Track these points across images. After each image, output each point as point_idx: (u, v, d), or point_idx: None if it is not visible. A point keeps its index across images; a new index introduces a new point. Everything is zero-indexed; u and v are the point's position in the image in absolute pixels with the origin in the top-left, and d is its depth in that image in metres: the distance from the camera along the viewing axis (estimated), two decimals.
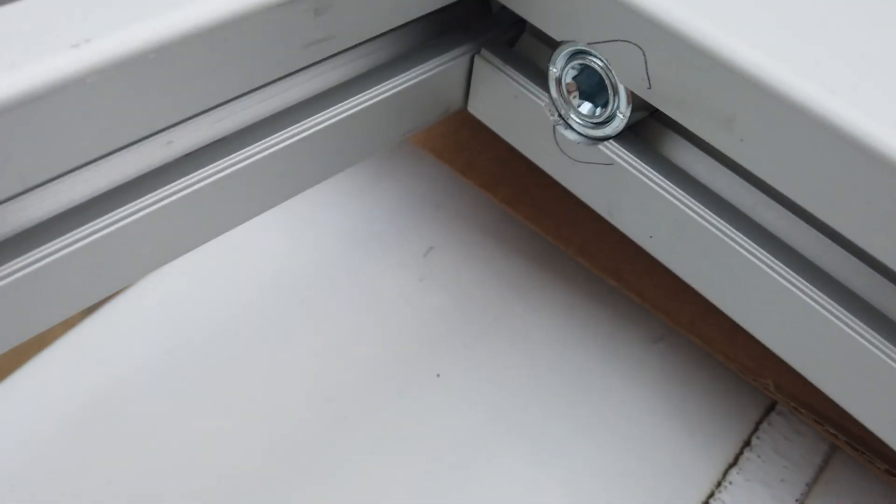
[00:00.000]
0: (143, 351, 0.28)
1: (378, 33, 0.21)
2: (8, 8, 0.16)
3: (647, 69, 0.19)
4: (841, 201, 0.17)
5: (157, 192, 0.19)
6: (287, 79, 0.21)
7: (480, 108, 0.25)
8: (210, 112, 0.20)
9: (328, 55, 0.20)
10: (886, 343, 0.18)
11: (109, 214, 0.18)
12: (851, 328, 0.18)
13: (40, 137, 0.15)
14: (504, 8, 0.25)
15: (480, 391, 0.26)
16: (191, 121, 0.19)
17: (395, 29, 0.23)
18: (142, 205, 0.18)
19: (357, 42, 0.20)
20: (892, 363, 0.18)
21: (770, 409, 0.26)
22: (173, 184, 0.19)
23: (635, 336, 0.27)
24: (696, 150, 0.22)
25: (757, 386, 0.25)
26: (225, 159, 0.20)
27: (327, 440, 0.25)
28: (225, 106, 0.20)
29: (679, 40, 0.18)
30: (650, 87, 0.20)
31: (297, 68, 0.19)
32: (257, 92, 0.21)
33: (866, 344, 0.18)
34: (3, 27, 0.15)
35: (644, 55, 0.19)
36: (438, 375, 0.27)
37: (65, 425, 0.26)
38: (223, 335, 0.28)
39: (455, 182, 0.31)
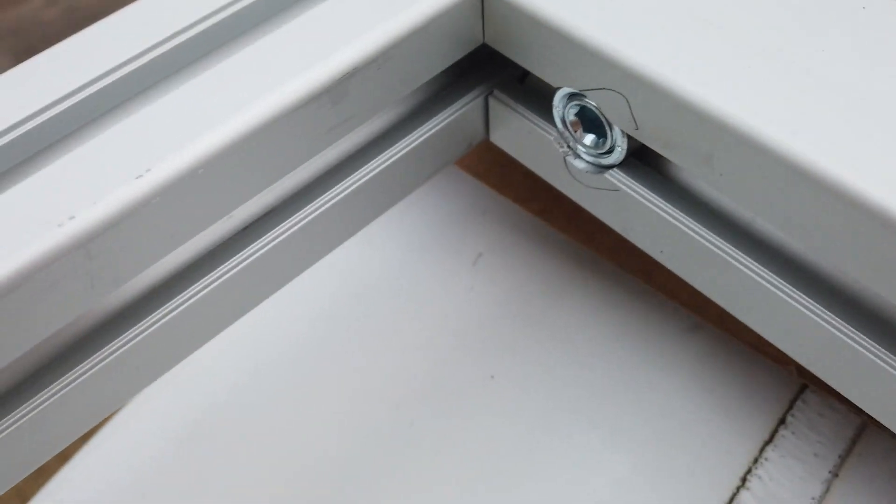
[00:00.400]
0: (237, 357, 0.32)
1: (392, 102, 0.23)
2: (74, 153, 0.19)
3: (632, 113, 0.21)
4: (804, 225, 0.19)
5: (223, 266, 0.22)
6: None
7: (501, 140, 0.27)
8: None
9: (349, 132, 0.23)
10: (859, 334, 0.20)
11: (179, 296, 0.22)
12: (833, 326, 0.20)
13: (121, 247, 0.19)
14: None
15: (531, 392, 0.29)
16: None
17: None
18: (211, 279, 0.22)
19: (374, 115, 0.23)
20: (870, 355, 0.20)
21: (804, 387, 0.28)
22: (239, 255, 0.23)
23: (669, 328, 0.29)
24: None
25: (784, 371, 0.26)
26: (280, 226, 0.23)
27: (399, 443, 0.29)
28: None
29: (655, 90, 0.20)
30: (637, 128, 0.21)
31: (325, 148, 0.22)
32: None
33: (847, 340, 0.20)
34: (76, 171, 0.19)
35: (627, 101, 0.21)
36: (493, 377, 0.30)
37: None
38: (298, 348, 0.32)
39: (492, 196, 0.34)
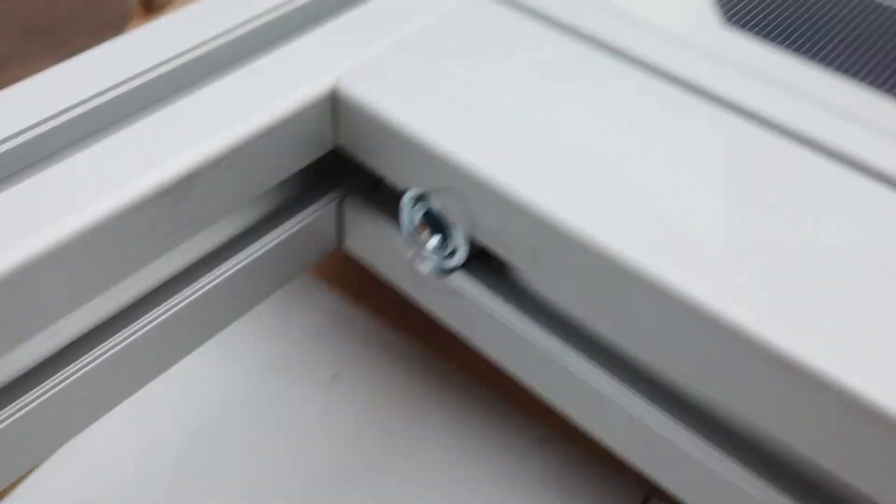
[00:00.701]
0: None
1: (238, 206, 0.23)
2: None
3: (470, 212, 0.22)
4: (623, 323, 0.20)
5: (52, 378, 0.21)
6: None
7: (354, 247, 0.28)
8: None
9: (191, 236, 0.22)
10: (699, 440, 0.20)
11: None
12: (673, 432, 0.21)
13: None
14: None
15: None
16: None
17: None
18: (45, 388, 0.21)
19: (218, 220, 0.23)
20: (711, 464, 0.20)
21: (647, 497, 0.28)
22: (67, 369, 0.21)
23: (520, 440, 0.29)
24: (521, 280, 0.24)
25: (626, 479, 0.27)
26: (114, 337, 0.22)
27: None
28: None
29: (486, 189, 0.21)
30: (475, 227, 0.22)
31: (163, 252, 0.22)
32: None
33: (688, 447, 0.20)
34: None
35: (466, 201, 0.22)
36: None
37: None
38: (127, 485, 0.30)
39: (351, 308, 0.34)
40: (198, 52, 0.24)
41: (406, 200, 0.24)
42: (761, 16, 0.28)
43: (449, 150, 0.22)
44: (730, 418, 0.21)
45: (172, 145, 0.21)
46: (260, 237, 0.25)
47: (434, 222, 0.25)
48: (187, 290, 0.23)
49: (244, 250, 0.25)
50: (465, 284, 0.24)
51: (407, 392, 0.31)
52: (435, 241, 0.25)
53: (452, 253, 0.24)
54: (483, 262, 0.25)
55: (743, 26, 0.27)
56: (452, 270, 0.24)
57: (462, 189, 0.22)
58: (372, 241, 0.27)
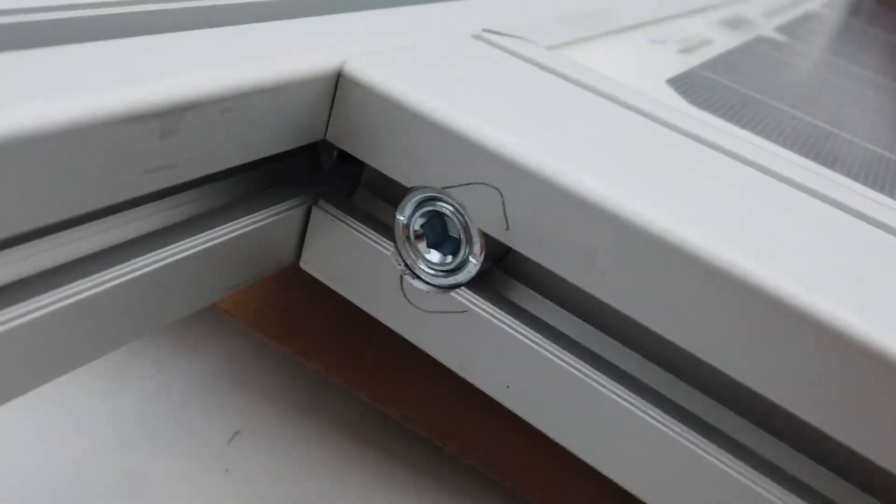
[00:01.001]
0: None
1: (217, 170, 0.19)
2: None
3: (504, 211, 0.19)
4: (697, 325, 0.18)
5: None
6: (107, 219, 0.18)
7: (315, 263, 0.23)
8: (13, 248, 0.16)
9: (166, 186, 0.17)
10: (753, 472, 0.18)
11: None
12: (726, 466, 0.18)
13: None
14: (338, 163, 0.25)
15: None
16: None
17: (231, 175, 0.22)
18: None
19: (198, 175, 0.18)
20: (763, 493, 0.18)
21: None
22: None
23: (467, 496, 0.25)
24: (539, 297, 0.22)
25: None
26: (23, 303, 0.16)
27: None
28: (30, 243, 0.16)
29: (539, 181, 0.19)
30: (508, 229, 0.20)
31: (131, 196, 0.17)
32: (68, 232, 0.17)
33: (746, 482, 0.18)
34: None
35: (502, 197, 0.19)
36: None
37: None
38: None
39: (270, 348, 0.28)
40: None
41: (409, 202, 0.21)
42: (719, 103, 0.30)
43: (489, 134, 0.19)
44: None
45: (173, 67, 0.17)
46: (216, 226, 0.20)
47: (431, 233, 0.22)
48: (123, 267, 0.18)
49: (197, 236, 0.20)
50: (473, 300, 0.21)
51: (336, 449, 0.26)
52: (437, 253, 0.21)
53: (459, 266, 0.21)
54: (484, 280, 0.22)
55: (705, 109, 0.28)
56: (455, 287, 0.21)
57: (504, 185, 0.19)
58: (344, 254, 0.23)
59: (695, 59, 0.35)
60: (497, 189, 0.19)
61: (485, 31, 0.27)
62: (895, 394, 0.16)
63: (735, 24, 0.49)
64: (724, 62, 0.37)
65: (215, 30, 0.20)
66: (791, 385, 0.17)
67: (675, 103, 0.27)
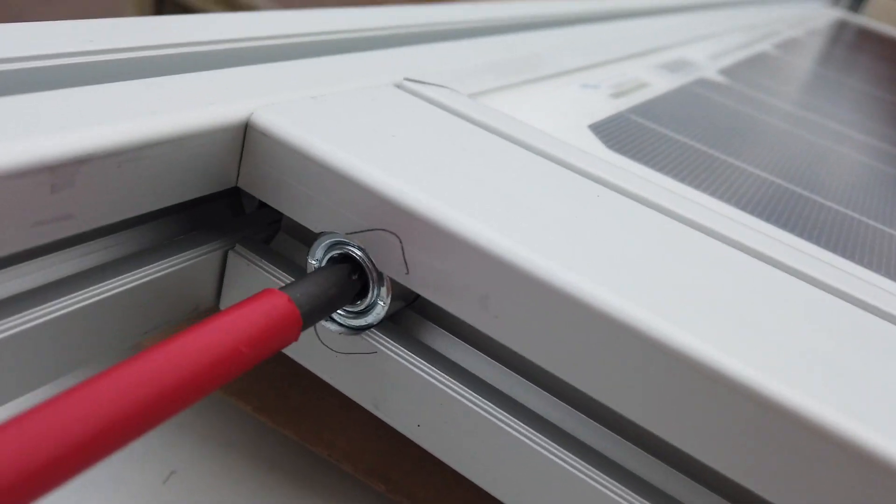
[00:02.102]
0: None
1: (121, 218, 0.19)
2: None
3: (404, 255, 0.20)
4: (584, 364, 0.18)
5: None
6: (12, 268, 0.18)
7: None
8: None
9: (63, 237, 0.17)
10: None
11: None
12: (613, 492, 0.19)
13: None
14: (259, 209, 0.25)
15: None
16: None
17: (142, 222, 0.22)
18: None
19: (97, 226, 0.18)
20: None
21: None
22: None
23: None
24: (451, 337, 0.22)
25: None
26: None
27: None
28: None
29: (430, 227, 0.19)
30: (408, 273, 0.20)
31: (26, 248, 0.17)
32: None
33: None
34: None
35: (401, 242, 0.20)
36: None
37: None
38: None
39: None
40: (124, 55, 0.21)
41: (319, 247, 0.21)
42: (636, 147, 0.31)
43: (385, 182, 0.19)
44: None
45: (70, 122, 0.17)
46: (130, 271, 0.20)
47: None
48: (31, 313, 0.18)
49: (108, 281, 0.20)
50: (381, 341, 0.21)
51: (271, 485, 0.26)
52: None
53: (367, 309, 0.21)
54: (395, 321, 0.22)
55: (621, 152, 0.29)
56: (365, 328, 0.21)
57: (401, 230, 0.19)
58: None
59: (625, 104, 0.36)
60: (396, 234, 0.20)
61: (406, 79, 0.27)
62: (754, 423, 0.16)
63: (677, 67, 0.50)
64: (655, 105, 0.37)
65: (121, 83, 0.20)
66: (660, 411, 0.17)
67: (592, 148, 0.28)
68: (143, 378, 0.13)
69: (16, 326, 0.18)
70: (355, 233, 0.20)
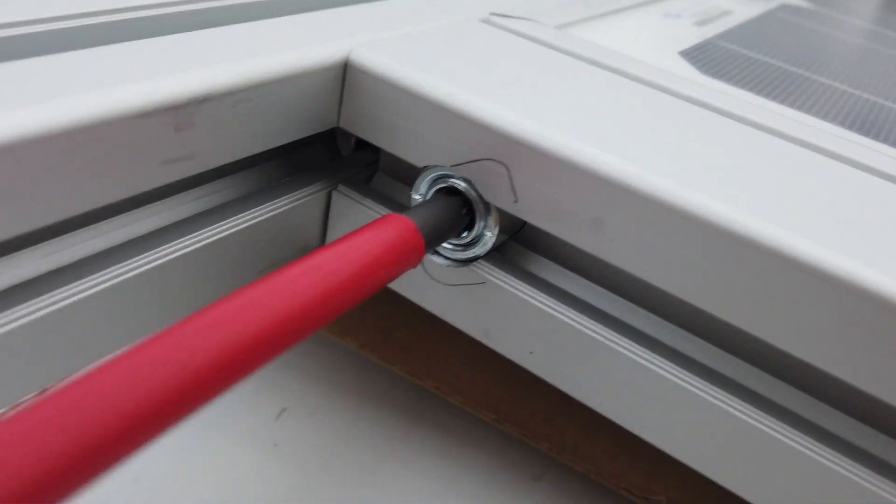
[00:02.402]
0: None
1: (234, 159, 0.19)
2: None
3: (512, 184, 0.19)
4: (704, 282, 0.18)
5: None
6: (132, 212, 0.19)
7: None
8: (39, 245, 0.17)
9: (184, 176, 0.18)
10: (771, 419, 0.18)
11: None
12: (737, 411, 0.18)
13: None
14: (355, 151, 0.25)
15: None
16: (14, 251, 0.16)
17: (249, 167, 0.22)
18: None
19: (213, 166, 0.19)
20: (783, 439, 0.18)
21: None
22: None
23: (515, 476, 0.25)
24: (556, 265, 0.22)
25: None
26: (48, 296, 0.17)
27: None
28: (59, 239, 0.17)
29: (540, 153, 0.19)
30: (516, 201, 0.20)
31: (151, 187, 0.17)
32: (95, 226, 0.18)
33: (755, 423, 0.18)
34: None
35: (508, 171, 0.19)
36: None
37: None
38: None
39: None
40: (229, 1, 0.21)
41: (423, 181, 0.21)
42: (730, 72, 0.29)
43: (492, 111, 0.19)
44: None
45: (188, 64, 0.17)
46: (239, 213, 0.21)
47: None
48: (150, 255, 0.18)
49: (220, 223, 0.20)
50: (490, 271, 0.21)
51: (380, 423, 0.27)
52: None
53: (476, 240, 0.21)
54: (501, 253, 0.22)
55: (718, 77, 0.28)
56: (473, 260, 0.21)
57: (508, 159, 0.19)
58: None
59: (710, 31, 0.35)
60: (503, 163, 0.19)
61: (493, 14, 0.27)
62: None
63: None
64: (741, 31, 0.36)
65: (225, 28, 0.20)
66: (796, 332, 0.17)
67: (687, 74, 0.27)
68: (287, 292, 0.14)
69: (140, 266, 0.18)
70: (461, 164, 0.20)
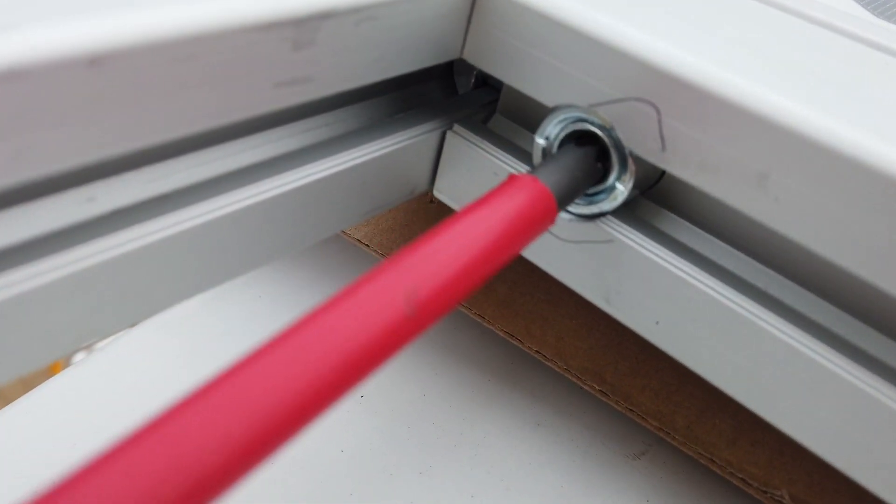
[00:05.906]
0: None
1: (354, 86, 0.17)
2: None
3: (661, 129, 0.17)
4: (891, 263, 0.15)
5: (75, 252, 0.13)
6: (242, 139, 0.17)
7: (449, 190, 0.21)
8: (144, 168, 0.15)
9: (298, 102, 0.16)
10: None
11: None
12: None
13: None
14: (474, 88, 0.23)
15: None
16: (121, 171, 0.15)
17: (362, 99, 0.20)
18: (56, 268, 0.13)
19: (331, 92, 0.16)
20: None
21: None
22: (93, 245, 0.14)
23: (617, 451, 0.23)
24: (695, 228, 0.19)
25: (764, 500, 0.21)
26: (161, 218, 0.15)
27: None
28: (169, 161, 0.15)
29: (702, 94, 0.16)
30: (664, 149, 0.17)
31: (261, 112, 0.15)
32: (204, 151, 0.16)
33: None
34: None
35: (658, 113, 0.17)
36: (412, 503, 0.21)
37: None
38: None
39: None
40: None
41: (552, 123, 0.19)
42: None
43: (646, 44, 0.16)
44: None
45: None
46: (351, 147, 0.19)
47: None
48: (261, 185, 0.17)
49: (332, 157, 0.18)
50: (619, 229, 0.18)
51: (476, 384, 0.25)
52: None
53: (606, 191, 0.19)
54: (630, 209, 0.19)
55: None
56: (599, 216, 0.19)
57: (661, 100, 0.16)
58: (479, 181, 0.21)
59: None
60: (653, 104, 0.17)
61: None
62: None
63: None
64: None
65: None
66: None
67: (860, 16, 0.23)
68: (431, 265, 0.11)
69: (244, 200, 0.16)
70: (601, 104, 0.17)
